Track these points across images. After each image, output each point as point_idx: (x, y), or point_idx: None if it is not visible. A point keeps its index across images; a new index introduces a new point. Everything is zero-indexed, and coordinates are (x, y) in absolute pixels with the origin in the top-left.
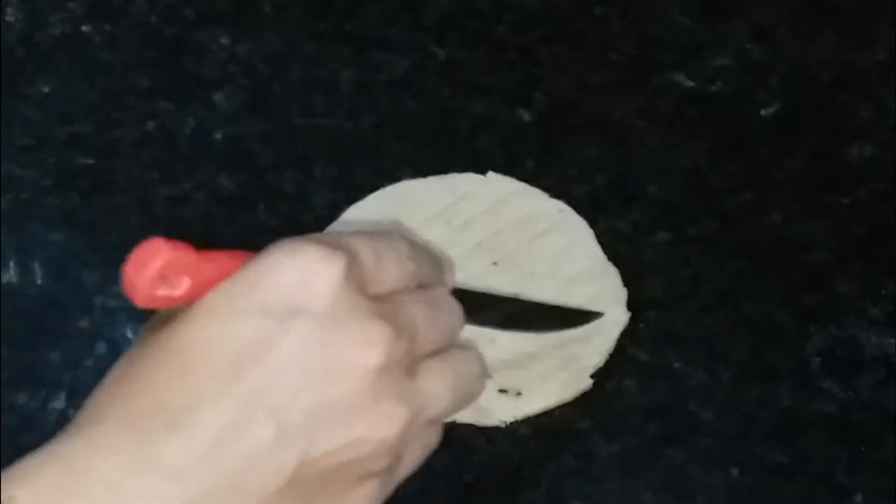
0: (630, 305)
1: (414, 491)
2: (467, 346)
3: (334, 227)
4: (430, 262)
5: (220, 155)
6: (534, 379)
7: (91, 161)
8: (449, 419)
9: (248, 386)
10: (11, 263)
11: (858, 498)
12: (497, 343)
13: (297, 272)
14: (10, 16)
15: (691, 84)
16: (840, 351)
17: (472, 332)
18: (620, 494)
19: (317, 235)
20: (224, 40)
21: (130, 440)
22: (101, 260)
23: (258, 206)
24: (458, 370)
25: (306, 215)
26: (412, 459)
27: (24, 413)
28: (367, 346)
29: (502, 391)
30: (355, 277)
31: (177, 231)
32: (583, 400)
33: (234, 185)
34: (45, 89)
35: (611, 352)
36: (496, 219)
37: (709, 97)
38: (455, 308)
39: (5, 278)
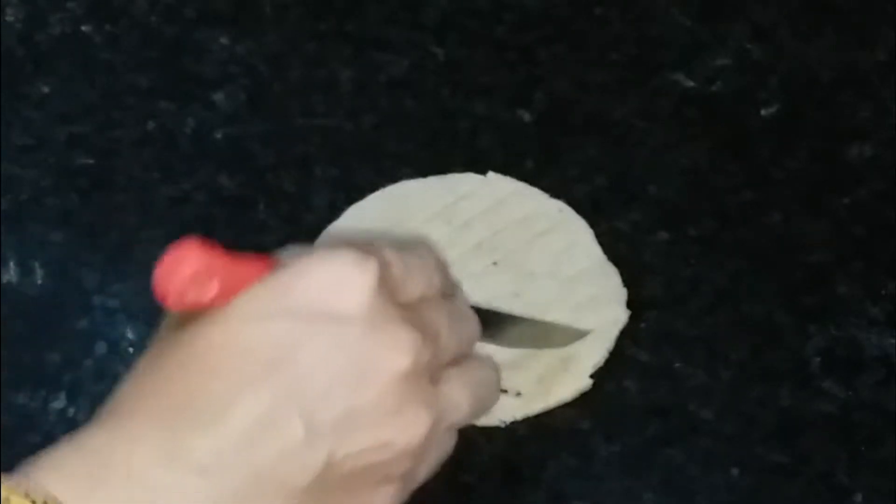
0: (630, 305)
1: (414, 491)
2: (484, 357)
3: (334, 227)
4: (450, 275)
5: (220, 155)
6: (533, 379)
7: (91, 161)
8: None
9: (280, 385)
10: (11, 263)
11: (858, 498)
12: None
13: (331, 277)
14: (10, 16)
15: (691, 84)
16: (840, 351)
17: None
18: (620, 494)
19: (349, 240)
20: (224, 40)
21: (159, 434)
22: (101, 260)
23: (258, 206)
24: (476, 378)
25: (306, 215)
26: (430, 464)
27: (24, 413)
28: (397, 352)
29: (502, 391)
30: (386, 284)
31: (177, 231)
32: (583, 400)
33: (234, 185)
34: (45, 89)
35: (610, 351)
36: (496, 219)
37: (709, 97)
38: (474, 318)
39: (5, 278)
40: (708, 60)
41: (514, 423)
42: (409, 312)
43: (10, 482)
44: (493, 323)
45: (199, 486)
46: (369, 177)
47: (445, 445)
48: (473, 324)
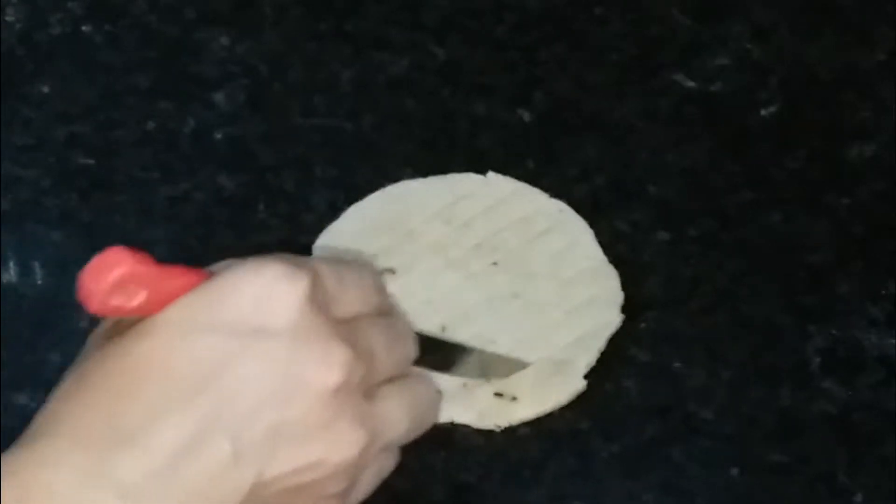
0: (630, 306)
1: (414, 491)
2: (422, 374)
3: (334, 226)
4: (389, 294)
5: (220, 155)
6: (528, 384)
7: (91, 161)
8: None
9: (206, 404)
10: (11, 263)
11: (858, 498)
12: (497, 344)
13: (260, 290)
14: (10, 16)
15: (691, 84)
16: (840, 351)
17: (471, 334)
18: (620, 495)
19: (280, 254)
20: (224, 40)
21: (82, 455)
22: None
23: (258, 206)
24: (414, 396)
25: (306, 215)
26: (368, 483)
27: (24, 413)
28: (326, 367)
29: (498, 395)
30: (317, 298)
31: (177, 231)
32: (583, 400)
33: (234, 185)
34: (45, 89)
35: (601, 351)
36: (496, 219)
37: (709, 97)
38: (411, 338)
39: (5, 278)
40: (708, 60)
41: (515, 423)
42: (343, 328)
43: None
44: (436, 351)
45: None
46: (369, 177)
47: (385, 464)
48: (410, 343)
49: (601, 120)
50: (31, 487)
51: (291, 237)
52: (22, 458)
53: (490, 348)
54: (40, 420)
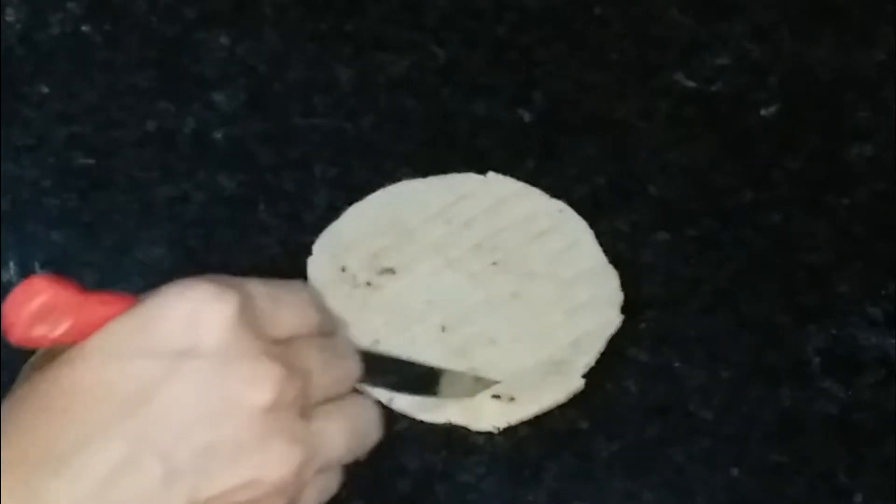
0: (629, 306)
1: (414, 491)
2: (363, 395)
3: (334, 226)
4: (330, 313)
5: (220, 155)
6: (526, 384)
7: (91, 161)
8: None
9: (136, 428)
10: (11, 263)
11: (858, 498)
12: (497, 344)
13: (188, 311)
14: (9, 16)
15: (691, 84)
16: (840, 351)
17: (471, 334)
18: (620, 494)
19: (210, 276)
20: (224, 40)
21: (14, 483)
22: (101, 260)
23: (258, 206)
24: (353, 415)
25: (306, 215)
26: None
27: None
28: (257, 386)
29: (495, 396)
30: (248, 317)
31: (177, 231)
32: (583, 400)
33: (234, 185)
34: (45, 89)
35: (601, 352)
36: (496, 219)
37: (709, 97)
38: (354, 357)
39: (5, 278)
40: (708, 60)
41: (515, 424)
42: (277, 347)
43: None
44: (385, 369)
45: None
46: (369, 177)
47: (327, 484)
48: (351, 363)
49: (601, 120)
50: None
51: (291, 237)
52: None
53: (490, 348)
54: None
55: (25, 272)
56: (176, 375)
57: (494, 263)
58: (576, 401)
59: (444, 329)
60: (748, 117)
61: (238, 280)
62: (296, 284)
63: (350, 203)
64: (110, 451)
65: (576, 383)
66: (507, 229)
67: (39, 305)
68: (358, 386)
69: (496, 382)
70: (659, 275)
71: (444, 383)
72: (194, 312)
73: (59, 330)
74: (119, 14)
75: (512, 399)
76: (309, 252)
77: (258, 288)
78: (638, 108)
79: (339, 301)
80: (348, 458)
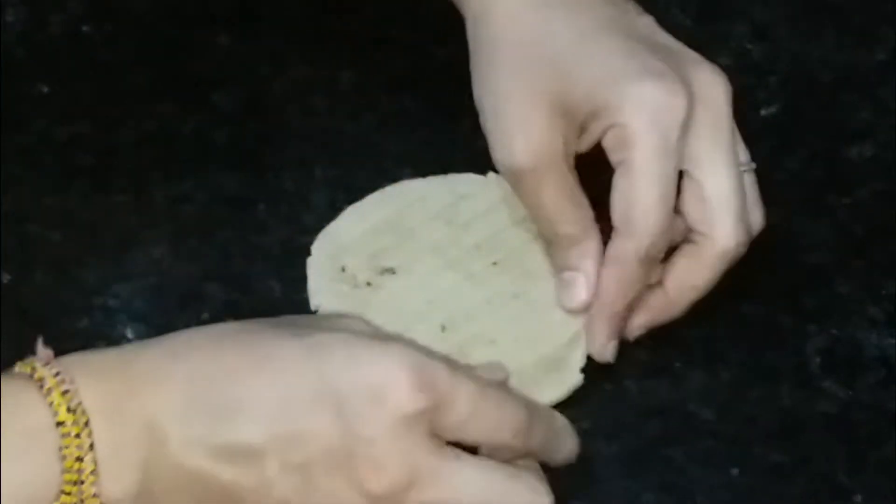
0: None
1: None
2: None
3: (334, 226)
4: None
5: (220, 155)
6: (526, 382)
7: (91, 161)
8: None
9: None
10: (11, 263)
11: (858, 498)
12: (497, 344)
13: (375, 388)
14: (10, 16)
15: None
16: (840, 351)
17: (471, 334)
18: (620, 494)
19: (427, 364)
20: (224, 40)
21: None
22: (101, 260)
23: (258, 206)
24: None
25: (306, 215)
26: None
27: None
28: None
29: None
30: (431, 422)
31: (177, 231)
32: (583, 400)
33: (234, 185)
34: (45, 89)
35: None
36: (496, 219)
37: None
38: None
39: (5, 278)
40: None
41: None
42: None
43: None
44: None
45: None
46: (369, 177)
47: None
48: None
49: None
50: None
51: (291, 237)
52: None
53: (490, 348)
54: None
55: (25, 272)
56: (328, 434)
57: (494, 263)
58: (576, 401)
59: (444, 329)
60: (748, 117)
61: (449, 378)
62: (513, 402)
63: (350, 203)
64: None
65: (575, 378)
66: (506, 229)
67: None
68: None
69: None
70: None
71: None
72: (378, 390)
73: None
74: (119, 14)
75: None
76: (309, 252)
77: (463, 395)
78: None
79: (339, 301)
80: None
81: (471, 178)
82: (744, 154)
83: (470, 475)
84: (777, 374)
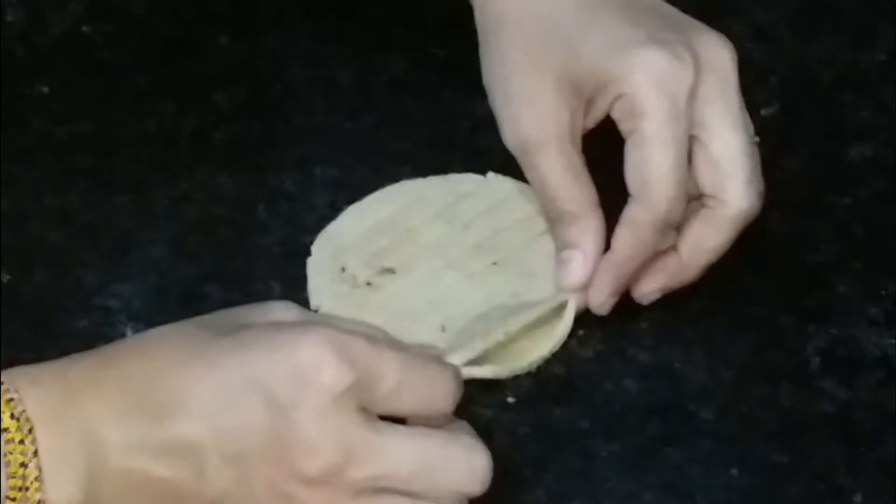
0: (630, 306)
1: None
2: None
3: (334, 226)
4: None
5: (220, 155)
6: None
7: (91, 161)
8: None
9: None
10: (11, 263)
11: (858, 498)
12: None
13: (296, 368)
14: (10, 16)
15: None
16: (840, 351)
17: (468, 335)
18: (620, 494)
19: (347, 340)
20: (224, 40)
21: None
22: (101, 260)
23: (258, 206)
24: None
25: (306, 215)
26: None
27: None
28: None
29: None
30: (357, 398)
31: (177, 231)
32: (583, 400)
33: (234, 185)
34: (45, 89)
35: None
36: (496, 219)
37: None
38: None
39: (5, 278)
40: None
41: (514, 423)
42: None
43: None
44: None
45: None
46: (369, 177)
47: None
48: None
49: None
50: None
51: (291, 237)
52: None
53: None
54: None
55: (25, 272)
56: (261, 423)
57: (494, 263)
58: (576, 401)
59: (444, 329)
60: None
61: (371, 352)
62: (439, 368)
63: (350, 203)
64: None
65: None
66: (507, 229)
67: None
68: None
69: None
70: None
71: None
72: (301, 374)
73: None
74: (119, 14)
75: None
76: (309, 252)
77: (387, 367)
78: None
79: (339, 301)
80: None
81: (471, 178)
82: (749, 126)
83: (405, 445)
84: (777, 374)
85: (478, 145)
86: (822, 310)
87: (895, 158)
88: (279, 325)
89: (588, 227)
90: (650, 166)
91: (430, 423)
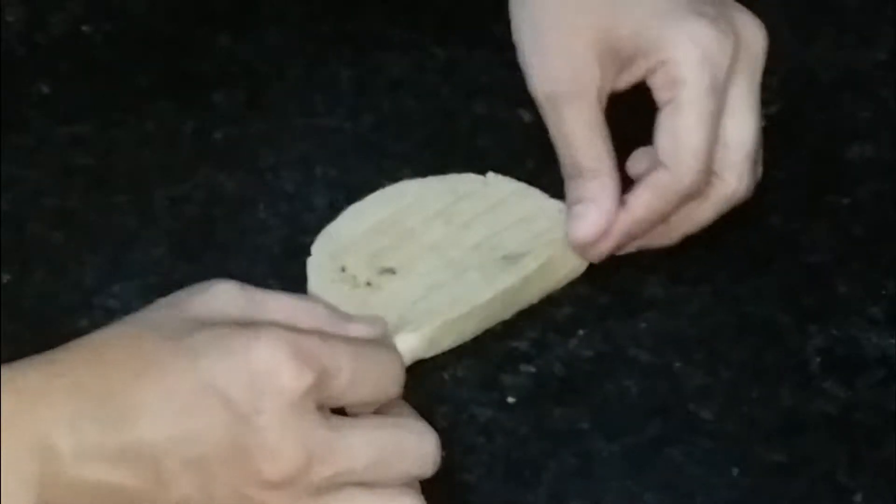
0: (630, 306)
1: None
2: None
3: (334, 226)
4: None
5: (220, 155)
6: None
7: (91, 161)
8: None
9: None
10: (12, 263)
11: (858, 498)
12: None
13: (253, 375)
14: (10, 16)
15: None
16: (840, 351)
17: (471, 332)
18: (620, 494)
19: (300, 338)
20: (224, 40)
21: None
22: (101, 260)
23: (258, 206)
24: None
25: (306, 215)
26: None
27: None
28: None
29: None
30: (316, 396)
31: (177, 231)
32: (583, 400)
33: (234, 185)
34: (45, 89)
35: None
36: (496, 219)
37: None
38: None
39: (5, 278)
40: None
41: (514, 423)
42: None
43: None
44: None
45: None
46: (369, 177)
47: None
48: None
49: None
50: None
51: (291, 237)
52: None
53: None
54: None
55: (25, 272)
56: (219, 429)
57: (494, 263)
58: (576, 401)
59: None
60: None
61: (326, 348)
62: (388, 354)
63: (350, 203)
64: None
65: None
66: (507, 229)
67: None
68: None
69: None
70: (659, 275)
71: None
72: (259, 378)
73: None
74: (119, 14)
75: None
76: (309, 252)
77: (342, 361)
78: (638, 108)
79: (339, 301)
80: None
81: (471, 178)
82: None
83: (360, 439)
84: (777, 374)
85: (478, 145)
86: (822, 310)
87: (895, 158)
88: (231, 328)
89: (606, 183)
90: (685, 136)
91: (378, 409)
